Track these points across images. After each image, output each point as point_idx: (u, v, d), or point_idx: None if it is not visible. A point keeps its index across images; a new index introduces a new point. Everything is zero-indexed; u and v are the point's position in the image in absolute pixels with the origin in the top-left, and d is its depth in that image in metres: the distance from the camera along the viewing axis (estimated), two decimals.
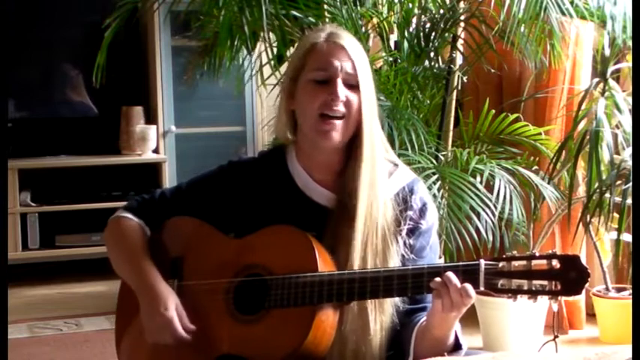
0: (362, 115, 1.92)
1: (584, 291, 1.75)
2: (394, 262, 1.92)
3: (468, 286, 1.76)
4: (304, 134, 1.98)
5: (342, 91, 1.91)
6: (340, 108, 1.91)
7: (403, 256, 1.94)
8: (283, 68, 2.09)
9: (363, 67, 1.94)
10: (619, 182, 3.29)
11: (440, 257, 2.90)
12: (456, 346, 1.88)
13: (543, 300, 1.74)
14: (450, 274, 1.77)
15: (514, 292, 1.75)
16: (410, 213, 1.96)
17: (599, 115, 3.26)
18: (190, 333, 1.92)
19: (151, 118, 5.10)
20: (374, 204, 1.92)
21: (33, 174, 4.89)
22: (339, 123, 1.92)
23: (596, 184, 3.25)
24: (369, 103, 1.93)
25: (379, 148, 1.96)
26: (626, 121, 3.33)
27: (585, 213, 3.32)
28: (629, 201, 3.20)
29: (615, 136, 3.39)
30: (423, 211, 1.98)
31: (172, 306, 1.92)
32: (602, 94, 3.43)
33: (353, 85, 1.93)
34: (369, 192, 1.92)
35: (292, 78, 1.98)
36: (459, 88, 3.60)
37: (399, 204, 1.96)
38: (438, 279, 1.78)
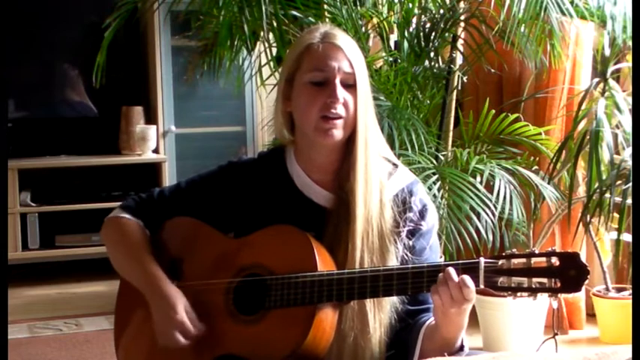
0: (357, 114, 1.92)
1: (584, 291, 1.75)
2: (392, 262, 1.92)
3: (466, 277, 1.75)
4: (302, 135, 1.98)
5: (341, 93, 1.91)
6: (339, 109, 1.91)
7: (404, 257, 1.94)
8: (282, 68, 2.08)
9: (360, 66, 1.94)
10: (619, 182, 3.29)
11: (440, 257, 2.89)
12: (459, 348, 1.88)
13: (543, 298, 1.74)
14: (451, 270, 1.77)
15: (514, 290, 1.75)
16: (410, 215, 1.96)
17: (599, 115, 3.26)
18: (198, 333, 1.91)
19: (151, 118, 5.10)
20: (370, 202, 1.92)
21: (33, 174, 4.89)
22: (339, 122, 1.92)
23: (596, 184, 3.25)
24: (364, 102, 1.93)
25: (374, 146, 1.96)
26: (626, 121, 3.33)
27: (585, 213, 3.32)
28: (629, 201, 3.20)
29: (615, 136, 3.39)
30: (423, 212, 1.98)
31: (182, 308, 1.91)
32: (602, 94, 3.43)
33: (350, 85, 1.93)
34: (364, 190, 1.92)
35: (287, 80, 1.98)
36: (459, 88, 3.60)
37: (397, 205, 1.96)
38: (439, 274, 1.77)
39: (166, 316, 1.91)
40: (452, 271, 1.77)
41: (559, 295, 1.73)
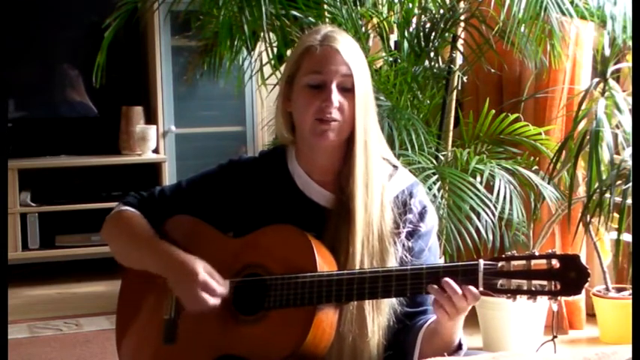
0: (355, 118, 1.92)
1: (584, 291, 1.75)
2: (391, 264, 1.92)
3: (472, 288, 1.76)
4: (302, 136, 1.99)
5: (336, 97, 1.91)
6: (334, 114, 1.91)
7: (402, 259, 1.94)
8: (283, 68, 2.09)
9: (359, 69, 1.94)
10: (619, 182, 3.29)
11: (440, 258, 2.89)
12: (458, 347, 1.89)
13: (543, 300, 1.74)
14: (449, 281, 1.77)
15: (513, 293, 1.74)
16: (409, 216, 1.96)
17: (599, 115, 3.26)
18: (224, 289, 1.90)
19: (151, 118, 5.10)
20: (370, 204, 1.92)
21: (33, 174, 4.89)
22: (333, 124, 1.92)
23: (596, 184, 3.25)
24: (363, 105, 1.93)
25: (374, 148, 1.96)
26: (626, 121, 3.33)
27: (585, 213, 3.32)
28: (629, 201, 3.20)
29: (615, 136, 3.39)
30: (422, 214, 1.98)
31: (201, 269, 1.90)
32: (602, 94, 3.43)
33: (348, 89, 1.92)
34: (364, 193, 1.92)
35: (288, 80, 1.98)
36: (459, 88, 3.60)
37: (398, 207, 1.96)
38: (435, 286, 1.77)
39: (188, 282, 1.90)
40: (452, 282, 1.76)
41: (559, 297, 1.73)
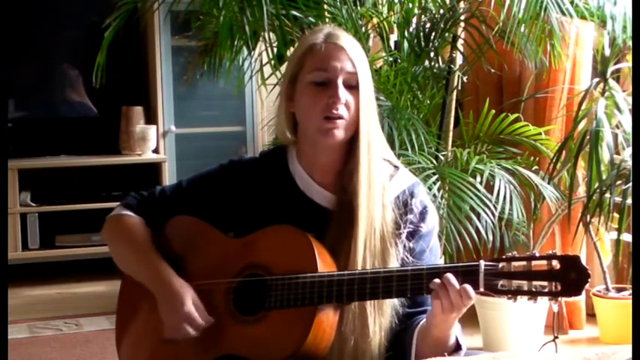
0: (359, 115, 1.92)
1: (584, 291, 1.75)
2: (393, 264, 1.92)
3: (468, 287, 1.76)
4: (305, 135, 1.98)
5: (343, 93, 1.91)
6: (341, 110, 1.91)
7: (404, 259, 1.94)
8: (283, 68, 2.08)
9: (363, 66, 1.94)
10: (619, 182, 3.29)
11: (440, 258, 2.90)
12: (456, 347, 1.89)
13: (543, 301, 1.74)
14: (450, 276, 1.77)
15: (514, 293, 1.75)
16: (410, 217, 1.96)
17: (599, 115, 3.26)
18: (206, 325, 1.91)
19: (151, 118, 5.10)
20: (372, 204, 1.92)
21: (33, 174, 4.89)
22: (340, 122, 1.92)
23: (596, 184, 3.26)
24: (367, 103, 1.93)
25: (376, 148, 1.96)
26: (626, 121, 3.33)
27: (585, 213, 3.32)
28: (629, 201, 3.21)
29: (615, 136, 3.39)
30: (423, 214, 1.98)
31: (189, 301, 1.91)
32: (602, 94, 3.43)
33: (353, 86, 1.93)
34: (367, 192, 1.92)
35: (290, 80, 1.98)
36: (459, 88, 3.60)
37: (399, 207, 1.96)
38: (437, 280, 1.78)
39: (174, 309, 1.91)
40: (451, 277, 1.77)
41: (559, 298, 1.73)
